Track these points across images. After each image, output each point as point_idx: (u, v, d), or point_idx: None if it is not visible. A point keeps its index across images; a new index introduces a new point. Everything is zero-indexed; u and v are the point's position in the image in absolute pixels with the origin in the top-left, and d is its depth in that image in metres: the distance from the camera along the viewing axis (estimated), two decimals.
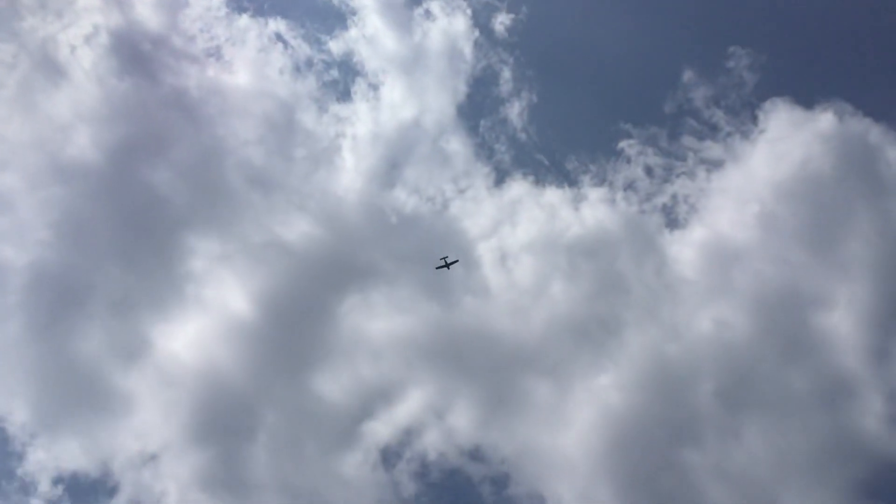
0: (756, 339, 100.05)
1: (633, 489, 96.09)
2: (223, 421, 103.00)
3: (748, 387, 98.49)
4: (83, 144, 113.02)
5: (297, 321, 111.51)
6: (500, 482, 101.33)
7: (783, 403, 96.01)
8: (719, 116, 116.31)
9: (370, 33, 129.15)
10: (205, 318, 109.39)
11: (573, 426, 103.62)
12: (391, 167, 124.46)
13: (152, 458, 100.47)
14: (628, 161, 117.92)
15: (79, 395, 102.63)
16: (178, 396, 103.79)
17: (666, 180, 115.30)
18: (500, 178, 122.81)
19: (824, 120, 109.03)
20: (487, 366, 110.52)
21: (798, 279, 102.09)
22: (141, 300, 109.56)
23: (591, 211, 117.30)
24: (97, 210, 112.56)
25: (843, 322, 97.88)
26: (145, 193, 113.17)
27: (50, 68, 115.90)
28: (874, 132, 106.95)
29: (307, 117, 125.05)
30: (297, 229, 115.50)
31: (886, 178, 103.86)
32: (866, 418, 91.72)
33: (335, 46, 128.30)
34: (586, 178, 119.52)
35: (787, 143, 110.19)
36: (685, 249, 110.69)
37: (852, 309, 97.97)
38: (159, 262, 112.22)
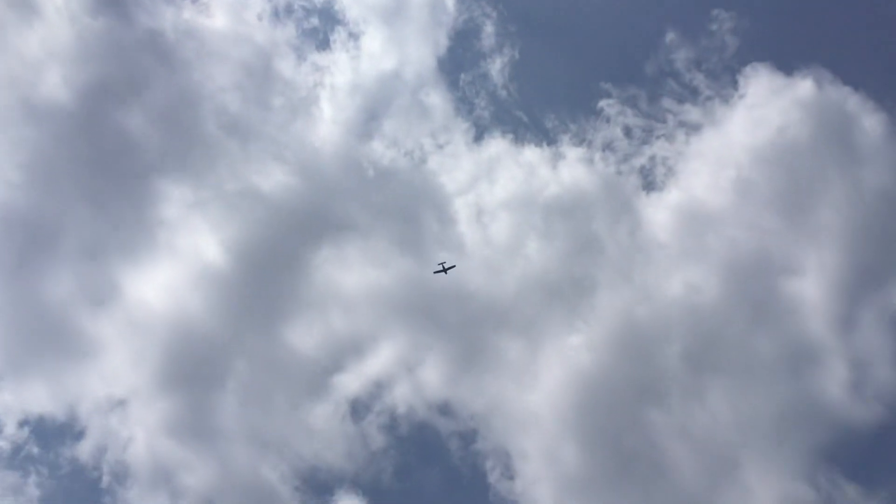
0: (725, 303, 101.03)
1: (597, 447, 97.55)
2: (193, 369, 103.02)
3: (715, 350, 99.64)
4: (55, 84, 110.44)
5: (270, 272, 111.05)
6: (468, 437, 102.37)
7: (748, 368, 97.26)
8: (700, 80, 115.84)
9: None
10: (176, 266, 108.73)
11: (542, 384, 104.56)
12: (369, 119, 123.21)
13: (120, 403, 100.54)
14: (608, 121, 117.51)
15: (47, 338, 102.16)
16: (148, 343, 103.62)
17: (644, 142, 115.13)
18: (480, 134, 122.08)
19: (804, 87, 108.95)
20: (459, 322, 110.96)
21: (769, 245, 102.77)
22: (111, 245, 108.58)
23: (568, 170, 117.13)
24: (68, 152, 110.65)
25: (811, 289, 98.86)
26: (118, 137, 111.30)
27: (22, 5, 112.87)
28: (852, 101, 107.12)
29: (285, 65, 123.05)
30: (273, 179, 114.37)
31: (862, 147, 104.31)
32: (830, 385, 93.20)
33: None
34: (565, 138, 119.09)
35: (765, 109, 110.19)
36: (660, 212, 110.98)
37: (821, 276, 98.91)
38: (131, 208, 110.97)
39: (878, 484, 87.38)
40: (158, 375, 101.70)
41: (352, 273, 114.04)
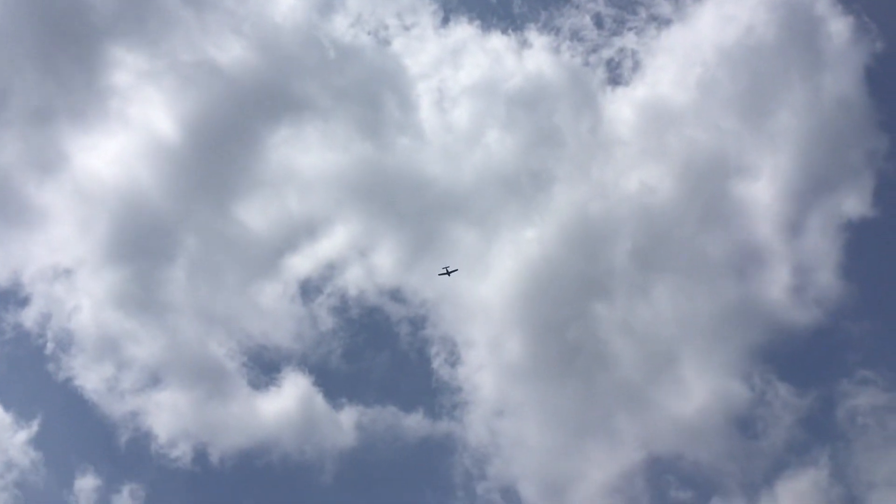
0: (678, 203, 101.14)
1: (542, 338, 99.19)
2: (141, 241, 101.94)
3: (663, 249, 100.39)
4: None
5: (224, 148, 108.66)
6: (418, 323, 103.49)
7: (694, 267, 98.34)
8: None
9: None
10: (127, 136, 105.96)
11: (493, 275, 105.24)
12: None
13: (66, 272, 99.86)
14: (577, 7, 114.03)
15: None
16: (96, 213, 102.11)
17: (614, 33, 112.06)
18: (446, 17, 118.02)
19: None
20: (415, 209, 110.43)
21: (727, 147, 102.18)
22: (60, 111, 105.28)
23: (534, 59, 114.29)
24: (16, 10, 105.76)
25: (763, 193, 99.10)
26: None
27: None
28: (821, 4, 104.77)
29: None
30: (231, 53, 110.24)
31: (826, 51, 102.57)
32: (772, 287, 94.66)
33: None
34: (533, 25, 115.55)
35: (735, 7, 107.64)
36: (624, 108, 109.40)
37: (774, 180, 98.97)
38: (81, 73, 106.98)
39: (809, 384, 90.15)
40: (106, 246, 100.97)
41: (309, 154, 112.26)
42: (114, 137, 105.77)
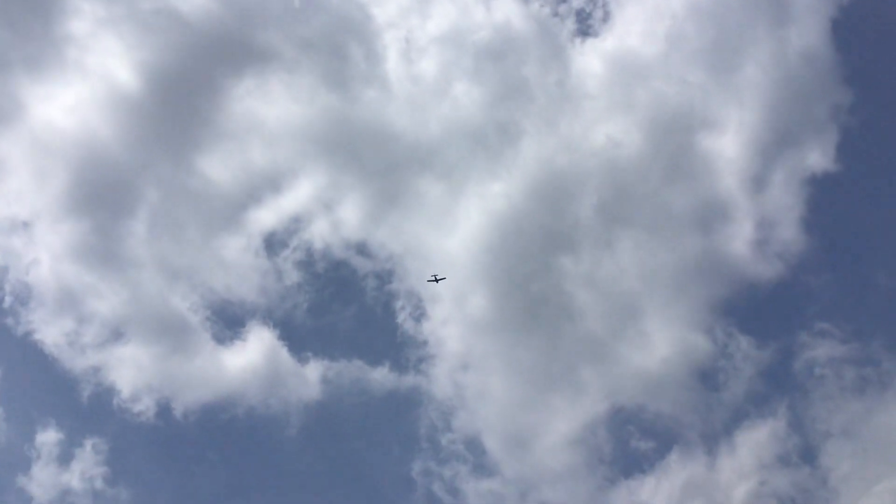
0: (644, 158, 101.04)
1: (507, 291, 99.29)
2: (101, 194, 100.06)
3: (628, 203, 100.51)
4: None
5: (186, 98, 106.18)
6: (384, 278, 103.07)
7: (659, 221, 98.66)
8: None
9: None
10: (85, 86, 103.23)
11: (459, 229, 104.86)
12: None
13: (24, 225, 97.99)
14: None
15: None
16: (54, 165, 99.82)
17: None
18: None
19: None
20: (382, 162, 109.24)
21: (694, 101, 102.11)
22: (15, 60, 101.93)
23: (503, 9, 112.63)
24: None
25: (728, 147, 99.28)
26: None
27: None
28: None
29: None
30: (192, 1, 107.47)
31: (792, 4, 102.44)
32: (735, 242, 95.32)
33: None
34: None
35: None
36: (592, 60, 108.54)
37: (739, 134, 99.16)
38: (37, 20, 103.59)
39: (769, 337, 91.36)
40: (64, 199, 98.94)
41: (273, 106, 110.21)
42: (71, 87, 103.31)
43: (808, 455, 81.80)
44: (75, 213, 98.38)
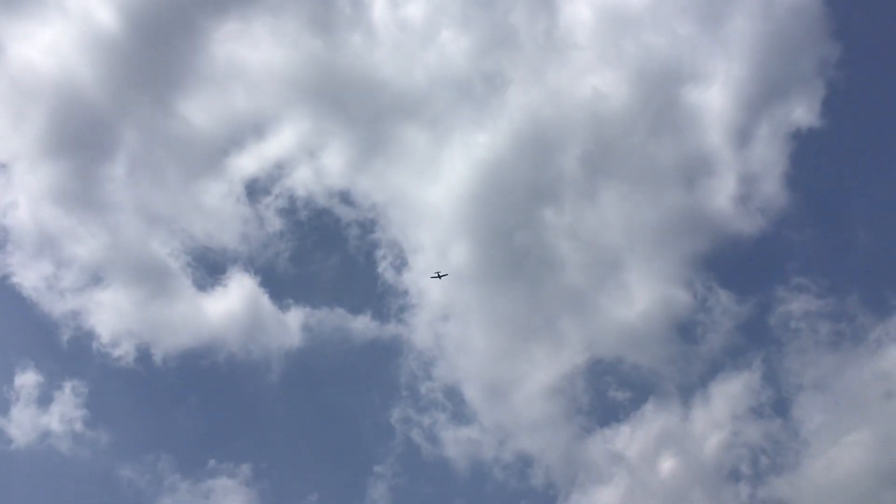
0: (630, 111, 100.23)
1: (490, 242, 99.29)
2: (80, 136, 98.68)
3: (613, 156, 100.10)
4: None
5: (167, 40, 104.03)
6: (367, 227, 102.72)
7: (642, 175, 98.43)
8: None
9: None
10: (64, 25, 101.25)
11: (443, 179, 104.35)
12: None
13: (1, 167, 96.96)
14: None
15: None
16: (32, 106, 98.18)
17: None
18: None
19: None
20: (367, 110, 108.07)
21: (682, 53, 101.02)
22: None
23: None
24: None
25: (714, 101, 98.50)
26: None
27: None
28: None
29: None
30: None
31: None
32: (718, 196, 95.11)
33: None
34: None
35: None
36: (582, 10, 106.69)
37: (726, 88, 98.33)
38: None
39: (748, 291, 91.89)
40: (43, 140, 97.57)
41: (257, 50, 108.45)
42: (50, 26, 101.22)
43: (780, 407, 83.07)
44: (54, 155, 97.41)
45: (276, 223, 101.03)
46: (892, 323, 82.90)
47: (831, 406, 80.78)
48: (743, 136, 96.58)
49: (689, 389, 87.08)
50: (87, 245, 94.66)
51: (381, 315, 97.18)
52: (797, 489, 75.59)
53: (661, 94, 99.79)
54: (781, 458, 79.15)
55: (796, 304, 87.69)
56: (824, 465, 76.51)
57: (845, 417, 78.92)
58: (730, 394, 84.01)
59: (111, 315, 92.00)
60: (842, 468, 75.44)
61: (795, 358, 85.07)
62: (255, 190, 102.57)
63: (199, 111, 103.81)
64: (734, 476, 79.06)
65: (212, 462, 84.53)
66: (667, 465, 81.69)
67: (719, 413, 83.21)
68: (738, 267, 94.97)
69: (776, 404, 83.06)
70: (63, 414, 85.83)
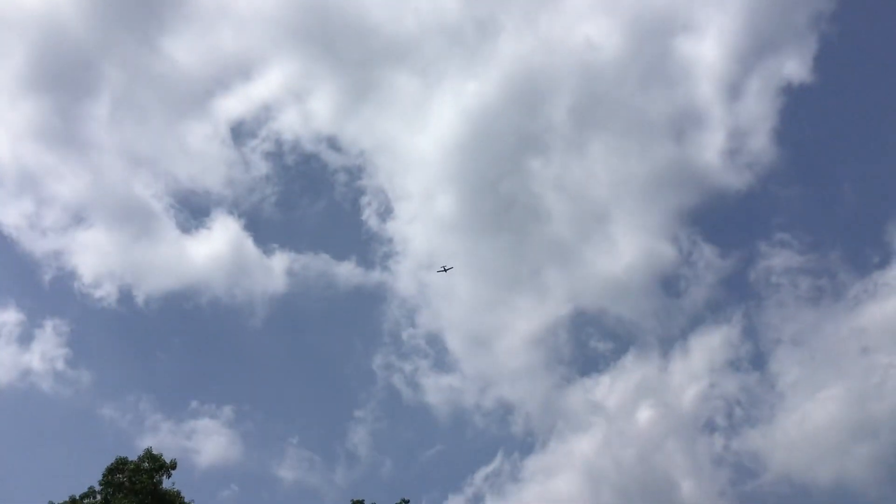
0: (622, 62, 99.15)
1: (476, 191, 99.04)
2: (63, 72, 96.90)
3: (603, 108, 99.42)
4: None
5: None
6: (354, 173, 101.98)
7: (632, 127, 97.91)
8: None
9: None
10: None
11: (432, 127, 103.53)
12: None
13: None
14: None
15: None
16: (12, 40, 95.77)
17: None
18: None
19: None
20: (356, 54, 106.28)
21: (676, 3, 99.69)
22: None
23: None
24: None
25: (708, 53, 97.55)
26: None
27: None
28: None
29: None
30: None
31: None
32: (706, 151, 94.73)
33: None
34: None
35: None
36: None
37: (719, 39, 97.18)
38: None
39: (732, 246, 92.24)
40: (23, 76, 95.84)
41: None
42: None
43: (757, 361, 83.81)
44: (35, 91, 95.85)
45: (261, 167, 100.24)
46: (871, 280, 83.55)
47: (808, 361, 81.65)
48: (734, 90, 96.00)
49: (670, 342, 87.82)
50: (68, 184, 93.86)
51: (366, 262, 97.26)
52: (770, 441, 76.75)
53: (654, 45, 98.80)
54: (756, 410, 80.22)
55: (778, 260, 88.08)
56: (798, 419, 77.62)
57: (821, 372, 79.81)
58: (709, 347, 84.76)
59: (93, 256, 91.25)
60: (815, 422, 76.59)
61: (775, 312, 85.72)
62: (240, 133, 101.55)
63: (185, 50, 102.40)
64: (709, 427, 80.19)
65: (194, 403, 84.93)
66: (644, 415, 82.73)
67: (698, 365, 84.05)
68: (723, 222, 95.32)
69: (754, 358, 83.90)
70: (44, 353, 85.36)
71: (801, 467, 74.05)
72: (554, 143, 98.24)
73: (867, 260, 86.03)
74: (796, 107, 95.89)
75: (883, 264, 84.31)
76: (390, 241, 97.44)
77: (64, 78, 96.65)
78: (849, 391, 76.95)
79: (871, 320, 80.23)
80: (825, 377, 79.01)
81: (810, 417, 76.88)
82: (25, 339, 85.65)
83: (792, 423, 77.34)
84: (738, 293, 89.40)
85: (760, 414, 79.31)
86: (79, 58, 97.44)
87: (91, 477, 40.23)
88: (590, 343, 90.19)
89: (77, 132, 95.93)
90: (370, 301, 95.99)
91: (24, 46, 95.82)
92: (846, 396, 76.49)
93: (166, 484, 39.19)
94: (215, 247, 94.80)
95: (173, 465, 39.65)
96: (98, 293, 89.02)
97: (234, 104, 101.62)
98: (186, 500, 39.70)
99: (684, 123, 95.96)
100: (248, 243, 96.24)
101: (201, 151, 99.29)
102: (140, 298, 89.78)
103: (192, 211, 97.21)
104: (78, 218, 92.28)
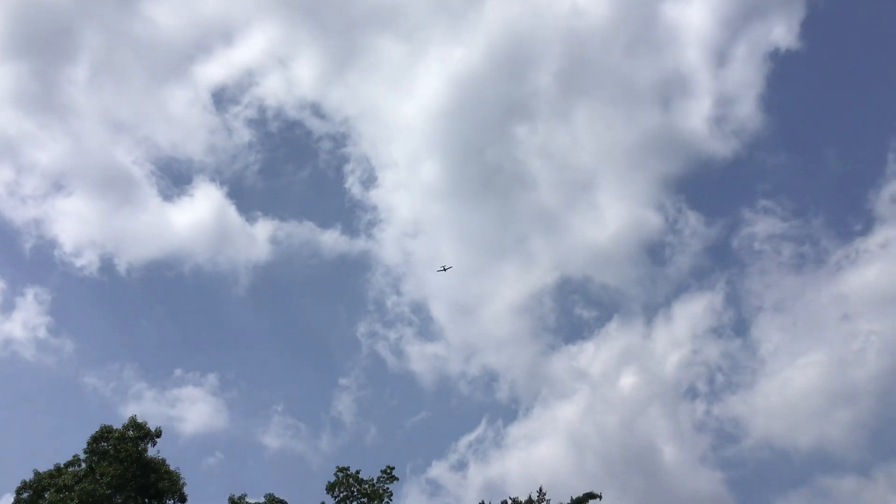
0: (608, 28, 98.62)
1: (461, 158, 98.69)
2: (40, 36, 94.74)
3: (589, 74, 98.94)
4: None
5: None
6: (338, 140, 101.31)
7: (618, 95, 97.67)
8: None
9: None
10: None
11: (417, 94, 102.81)
12: None
13: None
14: None
15: None
16: None
17: None
18: None
19: None
20: (341, 19, 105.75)
21: None
22: None
23: None
24: None
25: (695, 18, 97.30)
26: None
27: None
28: None
29: None
30: None
31: None
32: (692, 118, 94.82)
33: None
34: None
35: None
36: None
37: (707, 6, 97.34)
38: None
39: (717, 214, 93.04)
40: (1, 40, 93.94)
41: None
42: None
43: (739, 327, 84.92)
44: (12, 55, 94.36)
45: (244, 134, 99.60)
46: (853, 247, 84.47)
47: (789, 327, 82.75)
48: (721, 56, 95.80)
49: (653, 309, 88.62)
50: (48, 151, 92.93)
51: (351, 230, 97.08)
52: (751, 407, 77.97)
53: (640, 11, 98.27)
54: (738, 376, 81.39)
55: (761, 227, 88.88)
56: (779, 385, 78.72)
57: (802, 338, 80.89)
58: (692, 314, 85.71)
59: (74, 224, 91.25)
60: (796, 388, 77.77)
61: (757, 279, 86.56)
62: (222, 99, 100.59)
63: (166, 13, 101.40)
64: (691, 393, 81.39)
65: (178, 371, 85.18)
66: (627, 381, 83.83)
67: (681, 332, 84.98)
68: (709, 189, 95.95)
69: (736, 325, 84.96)
70: (26, 321, 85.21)
71: (782, 432, 75.34)
72: (540, 109, 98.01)
73: (849, 227, 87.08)
74: (783, 73, 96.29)
75: (865, 231, 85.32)
76: (375, 208, 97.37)
77: (42, 42, 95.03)
78: (829, 357, 78.22)
79: (852, 287, 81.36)
80: (806, 343, 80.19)
81: (791, 383, 78.14)
82: (7, 307, 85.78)
83: (773, 388, 78.62)
84: (722, 260, 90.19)
85: (742, 380, 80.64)
86: (57, 21, 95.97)
87: (76, 445, 40.29)
88: (574, 311, 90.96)
89: (56, 98, 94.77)
90: (355, 269, 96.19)
91: (1, 10, 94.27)
92: (827, 362, 77.76)
93: (151, 452, 39.27)
94: (198, 215, 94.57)
95: (158, 433, 39.64)
96: (79, 262, 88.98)
97: (215, 69, 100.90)
98: (171, 467, 39.78)
99: (670, 90, 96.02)
100: (231, 211, 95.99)
101: (183, 118, 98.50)
102: (122, 267, 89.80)
103: (174, 178, 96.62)
104: (58, 185, 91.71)
